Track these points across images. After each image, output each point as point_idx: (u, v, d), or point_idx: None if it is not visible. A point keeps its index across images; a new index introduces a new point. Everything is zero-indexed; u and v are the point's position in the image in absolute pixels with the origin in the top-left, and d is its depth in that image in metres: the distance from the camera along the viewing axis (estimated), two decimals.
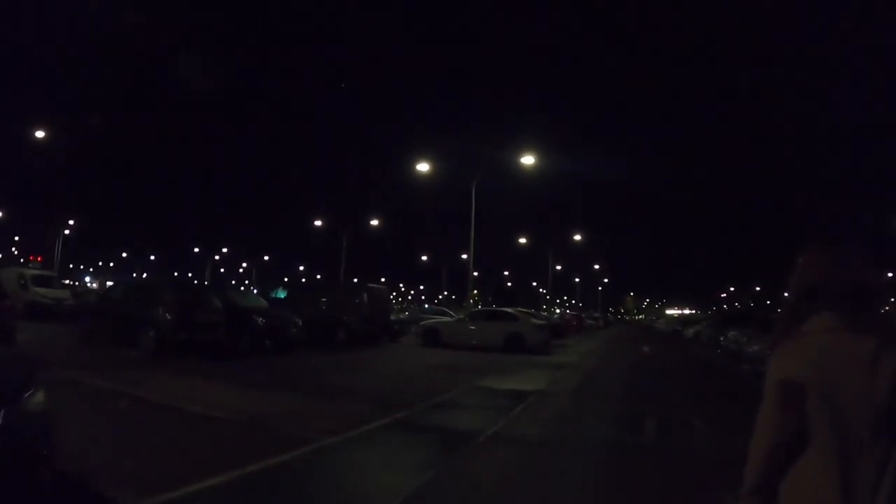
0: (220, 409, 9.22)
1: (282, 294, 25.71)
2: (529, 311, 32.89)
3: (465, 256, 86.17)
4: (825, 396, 1.78)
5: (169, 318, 16.78)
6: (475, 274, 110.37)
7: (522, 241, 70.21)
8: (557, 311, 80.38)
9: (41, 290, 27.97)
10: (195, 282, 69.39)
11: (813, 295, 1.94)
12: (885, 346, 1.78)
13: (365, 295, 23.91)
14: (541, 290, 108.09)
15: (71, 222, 68.11)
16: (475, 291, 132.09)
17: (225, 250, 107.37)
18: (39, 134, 38.52)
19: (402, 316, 28.68)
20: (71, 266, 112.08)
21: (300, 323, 20.15)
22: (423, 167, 35.21)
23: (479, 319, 25.81)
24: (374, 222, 64.98)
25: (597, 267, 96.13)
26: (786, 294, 2.10)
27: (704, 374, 20.99)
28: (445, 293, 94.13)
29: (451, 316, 31.02)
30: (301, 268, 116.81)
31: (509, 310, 27.90)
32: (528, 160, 32.35)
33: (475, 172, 34.20)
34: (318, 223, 66.01)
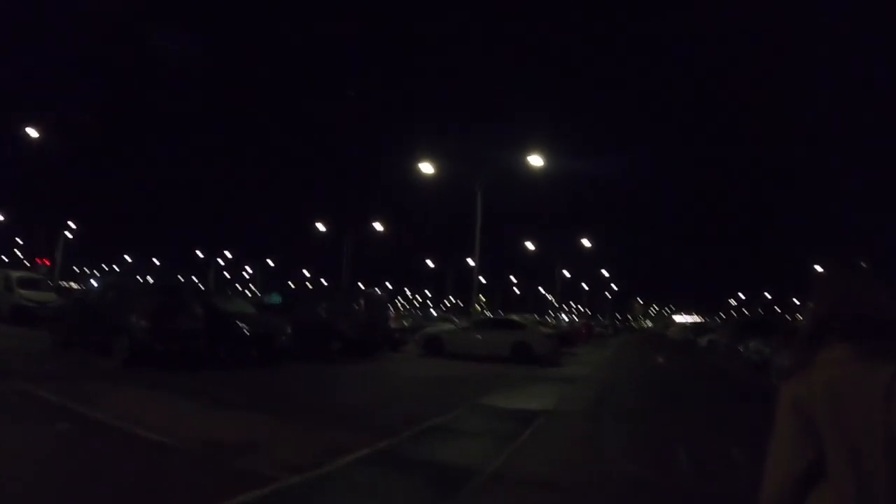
0: (172, 434, 7.83)
1: (276, 299, 24.08)
2: (538, 318, 31.28)
3: (471, 262, 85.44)
4: (838, 427, 1.75)
5: (143, 324, 15.34)
6: (482, 280, 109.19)
7: (530, 246, 68.98)
8: (565, 318, 78.89)
9: (26, 293, 26.62)
10: (178, 285, 67.75)
11: (829, 325, 1.90)
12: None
13: (362, 301, 22.40)
14: (548, 296, 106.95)
15: (72, 224, 66.93)
16: (482, 298, 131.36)
17: (228, 254, 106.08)
18: (37, 133, 37.26)
19: (404, 323, 27.12)
20: (77, 269, 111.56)
21: (290, 331, 18.71)
22: (428, 169, 33.88)
23: (484, 328, 24.27)
24: (379, 226, 63.32)
25: (605, 273, 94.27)
26: (802, 323, 2.06)
27: (728, 388, 19.35)
28: (452, 299, 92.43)
29: (455, 324, 29.49)
30: (306, 272, 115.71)
31: (516, 317, 26.39)
32: (535, 161, 30.94)
33: (481, 175, 32.87)
34: (322, 227, 64.72)
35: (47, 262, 59.30)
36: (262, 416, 9.73)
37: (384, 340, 24.07)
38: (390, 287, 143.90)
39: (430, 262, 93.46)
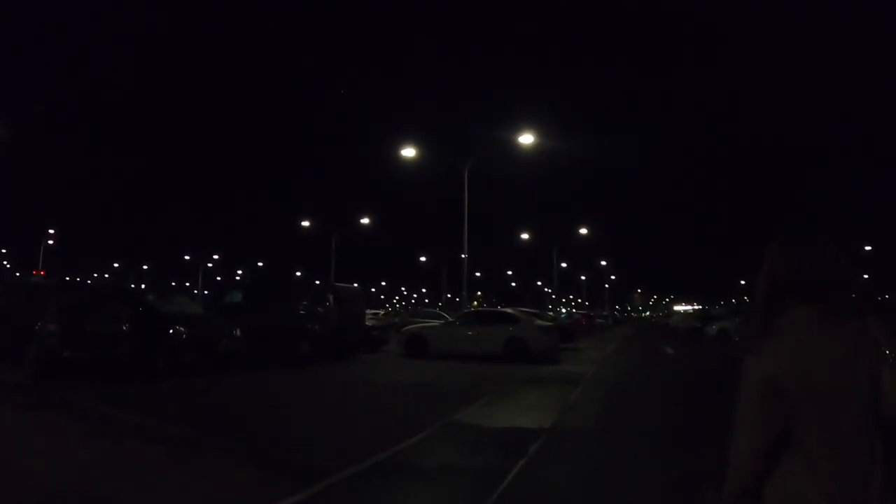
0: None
1: (238, 298, 21.19)
2: (534, 311, 28.47)
3: (464, 256, 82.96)
4: (809, 393, 1.73)
5: (50, 329, 12.69)
6: (477, 275, 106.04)
7: (525, 237, 66.52)
8: (564, 310, 76.24)
9: None
10: (98, 283, 64.51)
11: (784, 290, 1.91)
12: (862, 338, 1.77)
13: (331, 297, 19.61)
14: (546, 289, 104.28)
15: (52, 231, 64.39)
16: (478, 293, 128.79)
17: (216, 257, 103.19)
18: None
19: (380, 320, 24.28)
20: (66, 277, 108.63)
21: (238, 333, 16.03)
22: (413, 154, 31.31)
23: (472, 322, 21.40)
24: (367, 221, 60.60)
25: (603, 263, 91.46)
26: (756, 291, 2.02)
27: None
28: (449, 296, 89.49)
29: (446, 319, 26.64)
30: (297, 273, 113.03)
31: (509, 310, 23.51)
32: (526, 139, 28.30)
33: (468, 157, 30.17)
34: (309, 224, 61.91)
35: (43, 273, 57.43)
36: (149, 450, 7.05)
37: (360, 341, 21.30)
38: (384, 285, 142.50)
39: (426, 258, 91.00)
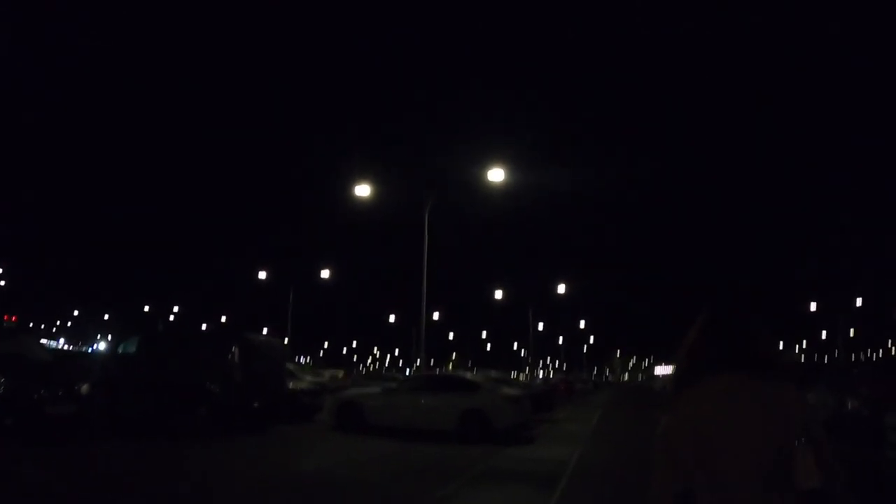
0: None
1: (131, 347, 16.70)
2: (500, 375, 23.95)
3: (436, 316, 78.49)
4: (704, 457, 1.80)
5: None
6: (451, 337, 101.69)
7: (499, 296, 62.56)
8: (541, 373, 71.80)
9: None
10: None
11: (700, 360, 1.98)
12: (771, 409, 1.83)
13: (236, 350, 15.09)
14: (522, 352, 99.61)
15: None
16: (453, 355, 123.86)
17: (176, 309, 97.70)
18: None
19: (305, 383, 19.57)
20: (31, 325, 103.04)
21: (84, 390, 11.80)
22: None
23: (422, 389, 16.70)
24: (329, 275, 56.24)
25: (582, 325, 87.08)
26: (676, 359, 2.10)
27: None
28: (431, 359, 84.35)
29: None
30: (265, 330, 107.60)
31: (468, 375, 19.02)
32: (496, 175, 24.46)
33: (428, 196, 26.10)
34: (271, 277, 57.35)
35: (14, 318, 55.45)
36: None
37: (280, 406, 16.64)
38: (355, 346, 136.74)
39: (395, 318, 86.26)
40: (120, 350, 17.48)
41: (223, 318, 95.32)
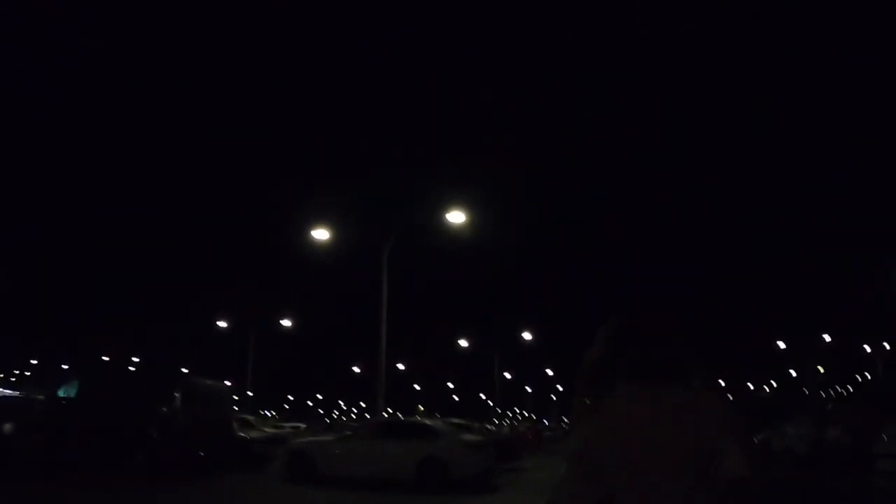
0: None
1: (72, 391, 15.85)
2: (462, 421, 23.12)
3: (401, 366, 77.19)
4: (625, 462, 1.82)
5: None
6: (416, 388, 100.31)
7: (465, 344, 61.96)
8: (507, 422, 70.72)
9: None
10: None
11: (608, 369, 1.99)
12: (687, 410, 1.85)
13: (179, 394, 14.19)
14: (489, 402, 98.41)
15: None
16: (420, 407, 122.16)
17: (136, 359, 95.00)
18: None
19: (258, 433, 18.58)
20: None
21: (7, 430, 11.24)
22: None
23: (377, 436, 15.83)
24: (291, 324, 55.23)
25: (550, 373, 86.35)
26: (582, 370, 2.10)
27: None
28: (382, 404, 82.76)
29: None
30: (227, 383, 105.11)
31: (426, 421, 18.18)
32: (456, 217, 24.04)
33: (387, 240, 25.49)
34: (231, 327, 55.94)
35: None
36: None
37: (228, 454, 15.66)
38: (320, 398, 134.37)
39: (359, 369, 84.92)
40: (62, 393, 16.67)
41: (184, 370, 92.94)
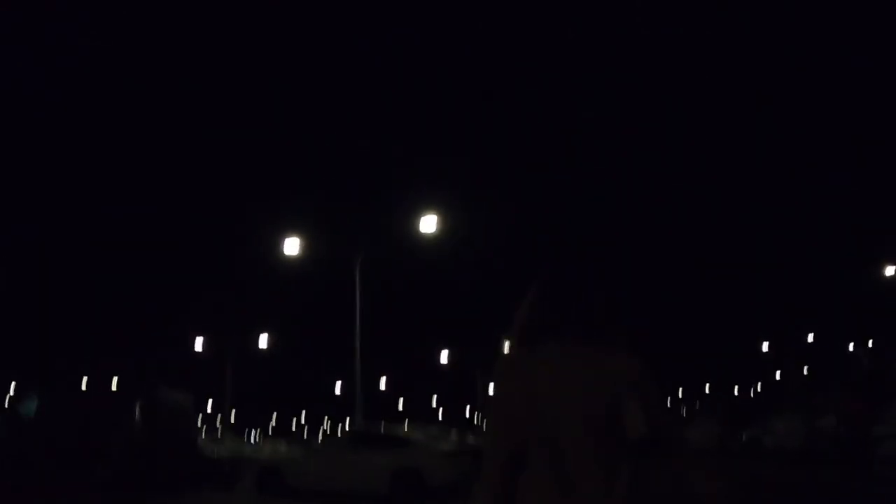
0: None
1: (30, 408, 15.54)
2: (439, 430, 22.72)
3: (383, 384, 76.29)
4: (534, 417, 1.86)
5: None
6: (399, 400, 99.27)
7: (445, 357, 61.50)
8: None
9: None
10: None
11: (534, 325, 2.02)
12: (600, 367, 1.88)
13: (139, 408, 13.78)
14: (475, 417, 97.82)
15: None
16: (405, 421, 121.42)
17: (116, 379, 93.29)
18: None
19: (228, 450, 18.12)
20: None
21: None
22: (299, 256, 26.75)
23: (348, 448, 15.35)
24: (268, 343, 54.43)
25: None
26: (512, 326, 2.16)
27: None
28: (360, 419, 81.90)
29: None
30: (209, 402, 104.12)
31: (399, 430, 17.73)
32: (428, 224, 23.90)
33: (358, 251, 25.19)
34: (204, 344, 55.06)
35: None
36: None
37: (190, 469, 15.23)
38: (304, 414, 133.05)
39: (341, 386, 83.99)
40: (21, 411, 16.23)
41: (147, 381, 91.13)
